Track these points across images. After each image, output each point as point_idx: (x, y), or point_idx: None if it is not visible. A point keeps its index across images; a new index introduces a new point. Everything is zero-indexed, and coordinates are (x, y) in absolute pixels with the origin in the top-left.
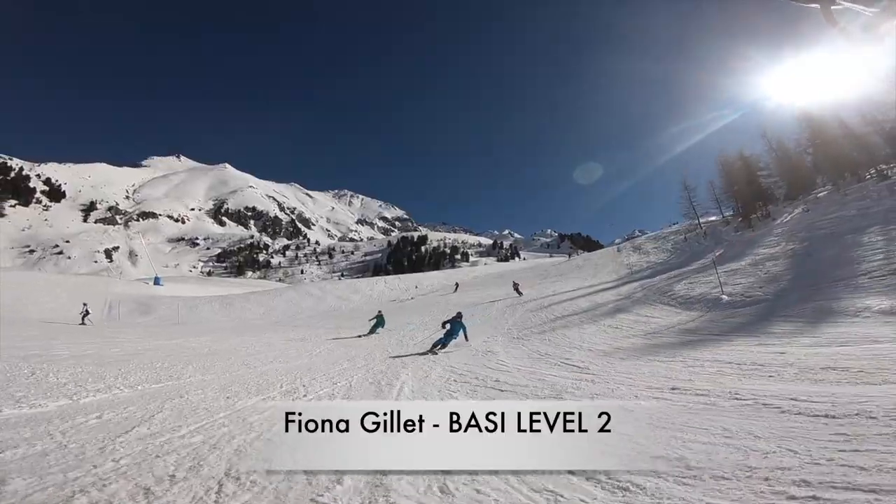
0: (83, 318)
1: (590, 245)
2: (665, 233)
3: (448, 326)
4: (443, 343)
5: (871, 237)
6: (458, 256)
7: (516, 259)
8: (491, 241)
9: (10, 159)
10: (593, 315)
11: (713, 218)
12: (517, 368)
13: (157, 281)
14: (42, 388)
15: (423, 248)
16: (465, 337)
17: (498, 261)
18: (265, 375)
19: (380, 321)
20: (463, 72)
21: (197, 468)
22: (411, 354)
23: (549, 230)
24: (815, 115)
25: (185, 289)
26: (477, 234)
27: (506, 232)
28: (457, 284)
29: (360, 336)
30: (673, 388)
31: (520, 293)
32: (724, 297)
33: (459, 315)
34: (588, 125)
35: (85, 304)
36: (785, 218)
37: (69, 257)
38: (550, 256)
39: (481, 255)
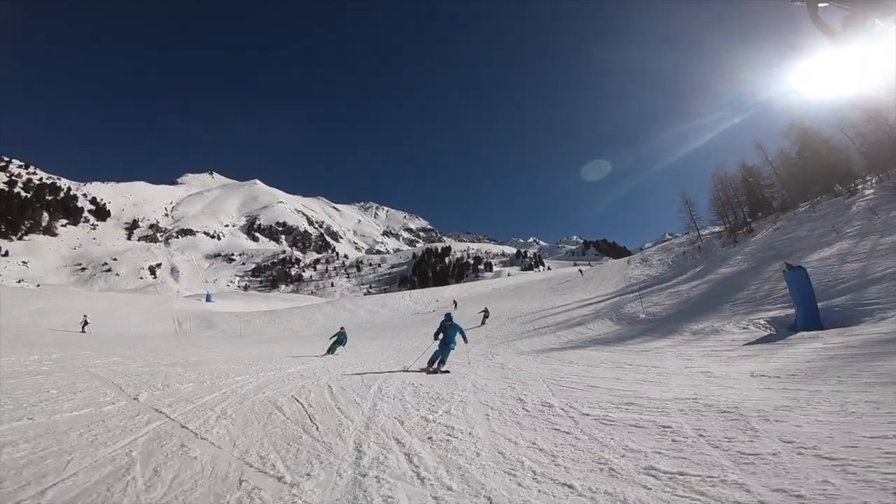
0: (83, 328)
1: (615, 251)
2: (672, 244)
3: (442, 336)
4: (441, 358)
5: (777, 265)
6: (482, 267)
7: (540, 268)
8: (514, 251)
9: (59, 179)
10: (559, 328)
11: (716, 229)
12: (466, 359)
13: (208, 298)
14: (276, 365)
15: (446, 260)
16: (465, 339)
17: (522, 270)
18: (347, 361)
19: (340, 339)
20: (488, 78)
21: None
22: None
23: (574, 237)
24: (805, 125)
25: (232, 305)
26: (501, 243)
27: (531, 240)
28: (455, 302)
29: (318, 356)
30: (502, 366)
31: (483, 323)
32: (642, 315)
33: (448, 317)
34: (611, 128)
35: (85, 316)
36: (759, 236)
37: (117, 274)
38: (574, 265)
39: (505, 264)
